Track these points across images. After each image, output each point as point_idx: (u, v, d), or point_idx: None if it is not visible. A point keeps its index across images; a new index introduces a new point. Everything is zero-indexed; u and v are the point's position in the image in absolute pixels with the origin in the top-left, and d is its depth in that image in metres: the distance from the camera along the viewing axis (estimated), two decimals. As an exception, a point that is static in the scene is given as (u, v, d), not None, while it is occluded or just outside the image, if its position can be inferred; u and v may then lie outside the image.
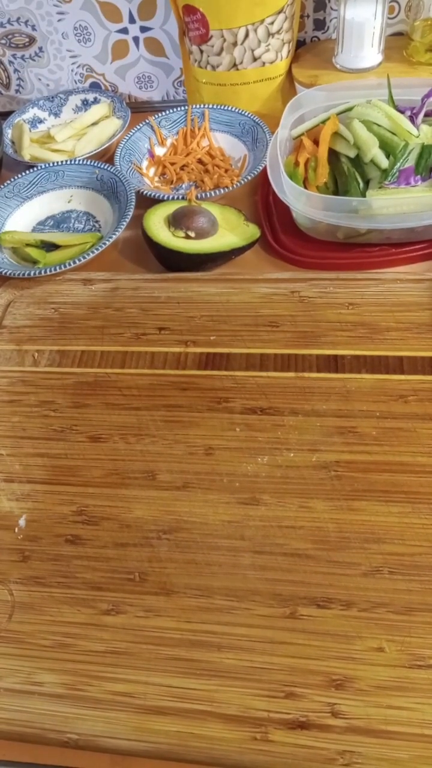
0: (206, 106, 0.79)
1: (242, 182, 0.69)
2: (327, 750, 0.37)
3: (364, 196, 0.61)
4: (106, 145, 0.79)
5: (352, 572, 0.43)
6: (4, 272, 0.65)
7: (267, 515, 0.46)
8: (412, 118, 0.62)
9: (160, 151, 0.80)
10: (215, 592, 0.43)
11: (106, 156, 0.81)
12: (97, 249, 0.65)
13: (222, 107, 0.79)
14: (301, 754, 0.37)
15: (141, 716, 0.39)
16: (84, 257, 0.64)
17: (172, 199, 0.70)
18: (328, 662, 0.40)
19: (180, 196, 0.71)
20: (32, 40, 0.86)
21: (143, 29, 0.82)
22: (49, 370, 0.58)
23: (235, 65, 0.76)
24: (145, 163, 0.79)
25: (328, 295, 0.59)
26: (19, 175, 0.76)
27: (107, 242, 0.65)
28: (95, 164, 0.74)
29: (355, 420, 0.50)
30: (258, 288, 0.61)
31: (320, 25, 0.81)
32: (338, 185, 0.64)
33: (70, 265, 0.64)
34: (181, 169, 0.77)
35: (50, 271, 0.64)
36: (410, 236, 0.62)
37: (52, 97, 0.89)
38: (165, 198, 0.70)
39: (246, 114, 0.77)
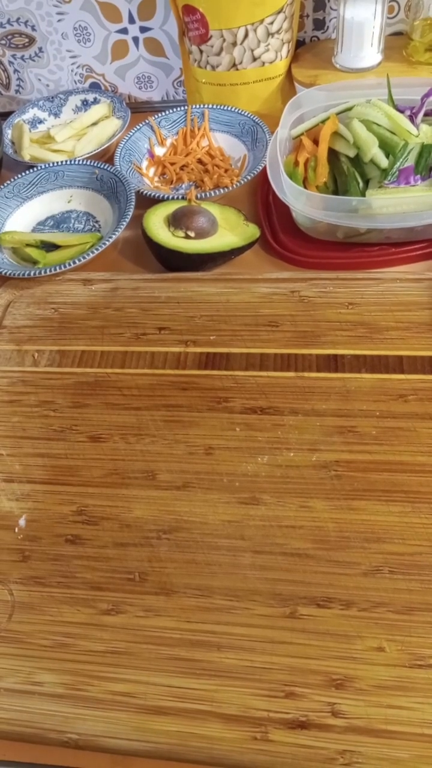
0: (206, 106, 0.79)
1: (242, 182, 0.69)
2: (327, 750, 0.37)
3: (363, 195, 0.61)
4: (106, 145, 0.79)
5: (352, 572, 0.43)
6: (4, 272, 0.65)
7: (267, 515, 0.46)
8: (411, 118, 0.62)
9: (159, 151, 0.80)
10: (215, 591, 0.43)
11: (105, 156, 0.81)
12: (96, 249, 0.65)
13: (222, 107, 0.79)
14: (301, 754, 0.37)
15: (141, 716, 0.39)
16: (84, 257, 0.64)
17: (172, 199, 0.70)
18: (328, 662, 0.40)
19: (180, 196, 0.71)
20: (32, 40, 0.86)
21: (143, 29, 0.82)
22: (49, 370, 0.58)
23: (234, 65, 0.76)
24: (144, 163, 0.79)
25: (327, 294, 0.59)
26: (19, 176, 0.76)
27: (107, 242, 0.65)
28: (95, 164, 0.74)
29: (355, 419, 0.50)
30: (258, 288, 0.61)
31: (320, 24, 0.81)
32: (338, 185, 0.64)
33: (70, 265, 0.64)
34: (181, 169, 0.77)
35: (50, 271, 0.64)
36: (410, 236, 0.62)
37: (52, 98, 0.89)
38: (165, 198, 0.70)
39: (246, 114, 0.77)
